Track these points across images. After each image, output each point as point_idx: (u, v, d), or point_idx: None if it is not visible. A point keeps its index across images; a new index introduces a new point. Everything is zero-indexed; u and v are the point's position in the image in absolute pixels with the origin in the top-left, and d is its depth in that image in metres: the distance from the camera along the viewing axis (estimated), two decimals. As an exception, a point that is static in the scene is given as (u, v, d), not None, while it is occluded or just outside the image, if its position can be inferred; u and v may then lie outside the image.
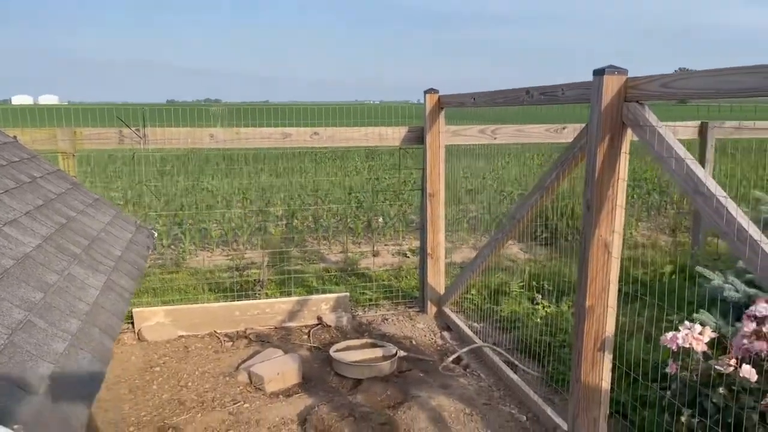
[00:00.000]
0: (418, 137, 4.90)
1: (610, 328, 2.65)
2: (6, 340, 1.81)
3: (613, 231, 2.59)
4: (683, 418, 2.37)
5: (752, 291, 3.30)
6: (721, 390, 2.27)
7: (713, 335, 2.38)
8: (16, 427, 1.52)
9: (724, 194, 1.99)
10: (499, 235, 3.89)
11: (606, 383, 2.69)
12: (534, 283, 5.10)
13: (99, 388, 2.01)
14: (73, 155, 4.36)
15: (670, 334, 2.56)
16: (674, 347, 2.37)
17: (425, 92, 4.75)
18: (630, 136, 2.54)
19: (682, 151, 2.17)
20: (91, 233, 3.27)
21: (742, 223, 1.89)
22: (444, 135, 4.79)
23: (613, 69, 2.47)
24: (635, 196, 9.81)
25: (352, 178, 12.20)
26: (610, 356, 2.68)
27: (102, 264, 2.98)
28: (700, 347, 2.33)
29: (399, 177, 10.63)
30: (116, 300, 2.72)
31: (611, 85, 2.47)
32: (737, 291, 3.38)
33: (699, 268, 3.60)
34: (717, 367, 2.31)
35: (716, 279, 3.47)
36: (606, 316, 2.64)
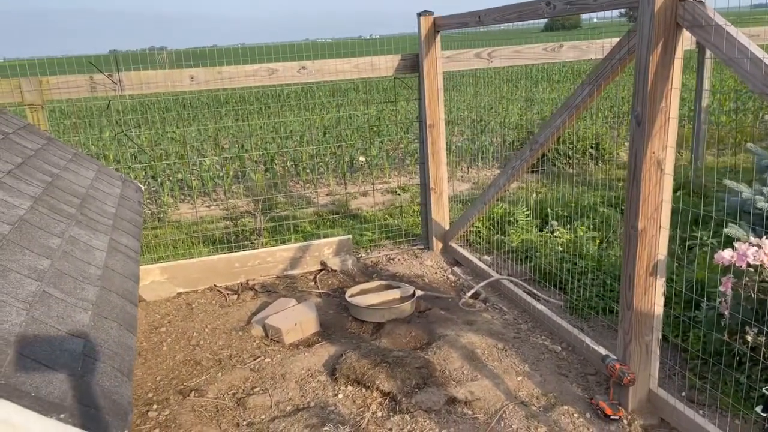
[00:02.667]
0: (412, 65, 4.60)
1: (663, 250, 2.50)
2: (27, 316, 1.55)
3: (666, 146, 2.40)
4: (749, 337, 2.26)
5: (788, 201, 3.19)
6: (793, 305, 2.16)
7: (784, 249, 2.25)
8: (63, 416, 1.29)
9: (816, 94, 1.80)
10: (516, 162, 3.69)
11: (659, 308, 2.57)
12: (549, 210, 4.94)
13: (134, 359, 1.78)
14: (42, 107, 3.95)
15: (728, 252, 2.43)
16: (743, 265, 2.23)
17: (419, 14, 4.42)
18: (684, 39, 2.31)
19: (759, 50, 1.96)
20: (80, 191, 2.96)
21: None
22: (440, 61, 4.49)
23: (667, -36, 2.22)
24: (621, 114, 9.71)
25: (323, 118, 11.80)
26: (663, 280, 2.54)
27: (99, 223, 2.70)
28: (771, 263, 2.20)
29: (374, 111, 10.32)
30: (125, 261, 2.46)
31: (665, -17, 2.23)
32: (769, 202, 3.27)
33: (727, 182, 3.47)
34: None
35: (746, 191, 3.35)
36: (659, 237, 2.48)
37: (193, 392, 3.00)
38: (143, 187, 6.40)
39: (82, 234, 2.42)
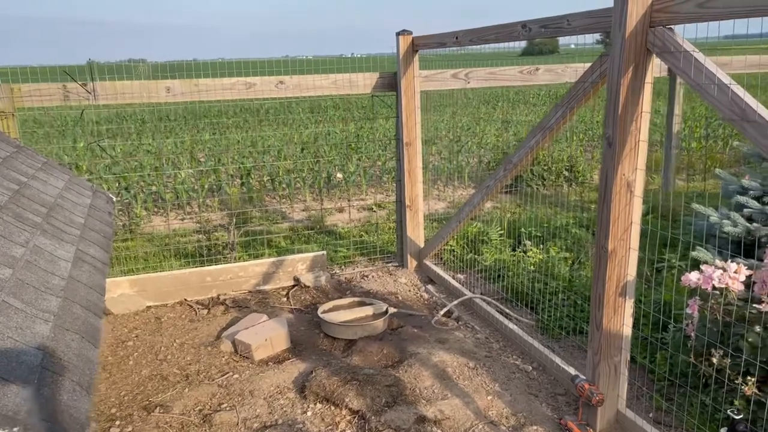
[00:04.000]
0: (390, 83, 4.62)
1: (632, 271, 2.53)
2: (-17, 327, 1.51)
3: (636, 168, 2.43)
4: (714, 359, 2.28)
5: (754, 226, 3.25)
6: (757, 329, 2.19)
7: (748, 273, 2.29)
8: (15, 429, 1.24)
9: (779, 120, 1.84)
10: (490, 182, 3.71)
11: (628, 328, 2.59)
12: (522, 230, 4.97)
13: (96, 373, 1.74)
14: (13, 115, 3.88)
15: (694, 275, 2.46)
16: (708, 288, 2.26)
17: (398, 34, 4.46)
18: (654, 65, 2.36)
19: (725, 77, 2.01)
20: (48, 200, 2.90)
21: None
22: (418, 80, 4.53)
23: (638, -9, 2.27)
24: (595, 137, 9.87)
25: (302, 134, 11.79)
26: (632, 300, 2.57)
27: (67, 233, 2.65)
28: (736, 286, 2.24)
29: (353, 128, 10.35)
30: (91, 272, 2.41)
31: (635, 10, 2.28)
32: (735, 226, 3.33)
33: (695, 206, 3.53)
34: (755, 305, 2.22)
35: (714, 215, 3.41)
36: (629, 258, 2.51)
37: (158, 408, 2.94)
38: (115, 199, 6.32)
39: (48, 244, 2.37)
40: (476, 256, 4.77)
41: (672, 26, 2.25)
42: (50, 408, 1.39)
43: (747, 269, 2.29)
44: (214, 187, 7.87)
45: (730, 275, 2.25)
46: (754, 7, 1.87)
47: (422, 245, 4.82)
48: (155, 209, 7.04)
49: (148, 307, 4.21)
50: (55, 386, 1.47)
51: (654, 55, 2.32)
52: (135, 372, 3.33)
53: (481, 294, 4.18)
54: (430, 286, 4.53)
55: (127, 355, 3.52)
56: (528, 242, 4.60)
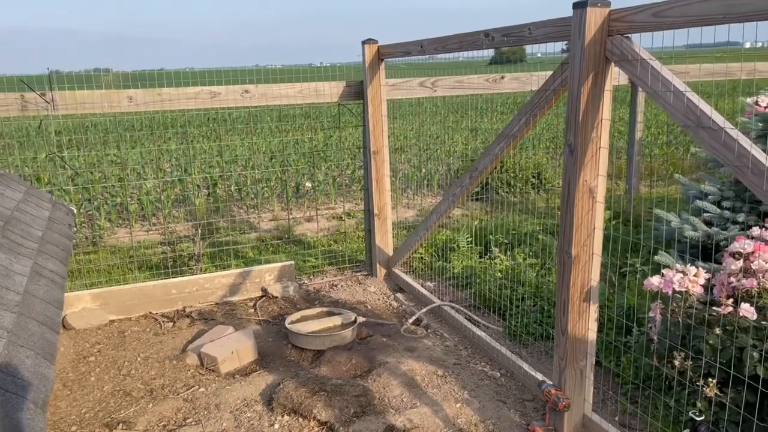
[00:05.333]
0: (357, 92, 4.62)
1: (596, 276, 2.56)
2: (-71, 345, 1.45)
3: (597, 175, 2.47)
4: (676, 362, 2.32)
5: (713, 230, 3.33)
6: (717, 331, 2.23)
7: (707, 276, 2.33)
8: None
9: (732, 126, 1.89)
10: (456, 189, 3.73)
11: (593, 333, 2.62)
12: (490, 237, 5.00)
13: (51, 390, 1.69)
14: (-33, 125, 3.77)
15: (656, 279, 2.51)
16: (669, 291, 2.30)
17: (363, 42, 4.46)
18: (613, 73, 2.41)
19: (680, 84, 2.05)
20: (4, 213, 2.82)
21: (758, 156, 1.80)
22: (384, 89, 4.54)
23: (596, 1, 2.31)
24: (561, 144, 10.00)
25: (270, 143, 11.71)
26: (596, 305, 2.60)
27: (23, 247, 2.57)
28: (696, 289, 2.28)
29: (322, 137, 10.32)
30: (48, 287, 2.35)
31: (594, 19, 2.32)
32: (696, 230, 3.40)
33: (657, 211, 3.60)
34: (715, 308, 2.26)
35: (675, 220, 3.48)
36: (592, 264, 2.54)
37: (120, 425, 2.86)
38: (76, 211, 6.19)
39: (3, 258, 2.30)
40: (445, 264, 4.78)
41: (629, 35, 2.29)
42: (4, 427, 1.35)
43: (706, 273, 2.34)
44: (180, 197, 7.76)
45: (690, 279, 2.29)
46: (706, 16, 1.91)
47: (391, 253, 4.82)
48: (119, 221, 6.91)
49: (112, 321, 4.12)
50: (9, 405, 1.43)
51: (613, 64, 2.36)
52: (97, 388, 3.24)
53: (450, 301, 4.19)
54: (399, 295, 4.52)
55: (89, 371, 3.43)
56: (495, 249, 4.63)
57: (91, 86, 4.31)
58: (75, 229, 4.74)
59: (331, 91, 4.58)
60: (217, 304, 4.40)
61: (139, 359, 3.55)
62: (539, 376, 3.00)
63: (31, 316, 1.98)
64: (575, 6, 2.37)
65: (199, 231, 5.11)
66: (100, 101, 4.06)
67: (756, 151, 1.81)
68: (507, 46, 3.04)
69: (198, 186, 8.36)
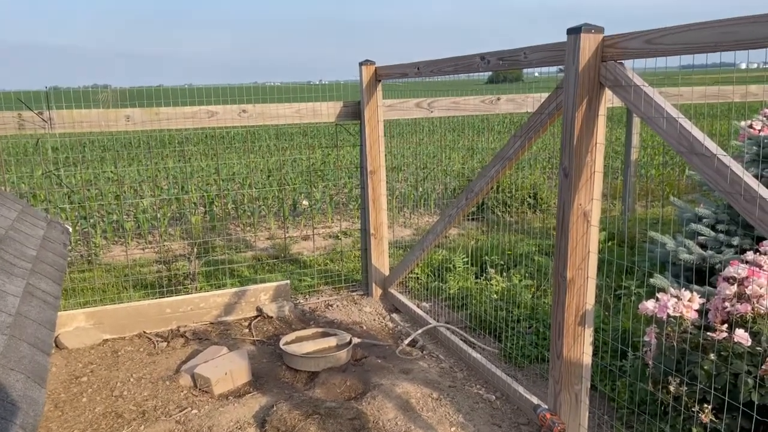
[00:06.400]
0: (354, 112, 4.65)
1: (590, 300, 2.56)
2: None
3: (592, 198, 2.48)
4: (671, 387, 2.31)
5: (708, 253, 3.33)
6: (711, 356, 2.22)
7: (702, 301, 2.33)
8: (-53, 482, 1.18)
9: (725, 153, 1.90)
10: (453, 210, 3.74)
11: (588, 357, 2.61)
12: (486, 257, 5.00)
13: (41, 414, 1.67)
14: (-36, 143, 3.78)
15: (651, 303, 2.50)
16: (664, 316, 2.30)
17: (361, 64, 4.50)
18: (607, 97, 2.43)
19: (673, 110, 2.07)
20: (-2, 232, 2.81)
21: (750, 183, 1.81)
22: (381, 109, 4.57)
23: (590, 27, 2.34)
24: (551, 165, 10.04)
25: (268, 161, 11.74)
26: (592, 329, 2.59)
27: (16, 267, 2.56)
28: (690, 314, 2.28)
29: (320, 155, 10.35)
30: (41, 307, 2.33)
31: (588, 45, 2.34)
32: (691, 253, 3.41)
33: (652, 233, 3.61)
34: (709, 333, 2.26)
35: (670, 242, 3.49)
36: (587, 287, 2.54)
37: (111, 447, 2.83)
38: (72, 228, 6.16)
39: (-5, 278, 2.29)
40: (441, 284, 4.77)
41: (623, 61, 2.31)
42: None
43: (700, 297, 2.34)
44: (177, 215, 7.76)
45: (684, 304, 2.29)
46: (697, 44, 1.93)
47: (387, 273, 4.81)
48: (115, 238, 6.89)
49: (105, 341, 4.09)
50: (-4, 431, 1.41)
51: (607, 89, 2.38)
52: (89, 409, 3.21)
53: (446, 322, 4.18)
54: (395, 315, 4.50)
55: (81, 392, 3.40)
56: (491, 270, 4.63)
57: (89, 104, 4.33)
58: (70, 247, 4.73)
59: (328, 111, 4.60)
60: (211, 323, 4.37)
61: (132, 380, 3.52)
62: (534, 400, 2.98)
63: (23, 339, 1.97)
64: (569, 32, 2.40)
65: (195, 249, 5.10)
66: (97, 120, 4.07)
67: (748, 178, 1.82)
68: (502, 69, 3.07)
69: (195, 204, 8.36)
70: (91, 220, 6.89)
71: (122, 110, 4.14)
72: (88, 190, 8.49)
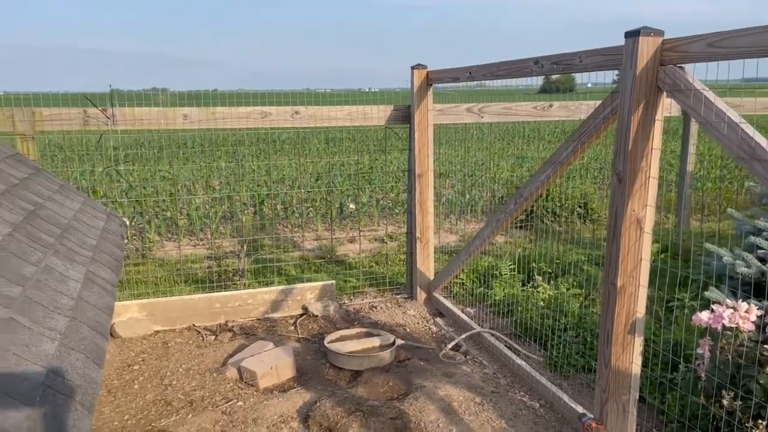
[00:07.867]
0: (404, 116, 4.68)
1: (641, 308, 2.50)
2: (-11, 342, 1.52)
3: (645, 205, 2.43)
4: (725, 401, 2.24)
5: (766, 266, 3.21)
6: (769, 370, 2.15)
7: (759, 313, 2.26)
8: (14, 447, 1.25)
9: (789, 160, 1.84)
10: (501, 215, 3.71)
11: (637, 366, 2.55)
12: (533, 264, 4.94)
13: (98, 394, 1.74)
14: (33, 138, 3.97)
15: (705, 314, 2.43)
16: (719, 327, 2.23)
17: (412, 68, 4.52)
18: (664, 102, 2.38)
19: (735, 116, 2.02)
20: (62, 221, 2.95)
21: (815, 190, 1.74)
22: (432, 113, 4.58)
23: (649, 30, 2.30)
24: (603, 176, 9.83)
25: (317, 164, 11.89)
26: (642, 338, 2.53)
27: (78, 254, 2.68)
28: (747, 326, 2.20)
29: (367, 160, 10.42)
30: (100, 294, 2.43)
31: (646, 48, 2.30)
32: (749, 267, 3.29)
33: (708, 245, 3.50)
34: (767, 347, 2.18)
35: (727, 255, 3.38)
36: (638, 295, 2.49)
37: (160, 433, 2.92)
38: (128, 223, 6.39)
39: (59, 264, 2.40)
40: (486, 290, 4.74)
41: (683, 65, 2.26)
42: (51, 426, 1.40)
43: (758, 309, 2.26)
44: (228, 214, 7.94)
45: (741, 315, 2.22)
46: (762, 47, 1.88)
47: (432, 277, 4.81)
48: (168, 234, 7.10)
49: (156, 332, 4.22)
50: (57, 405, 1.48)
51: (664, 93, 2.34)
52: (140, 396, 3.32)
53: (491, 328, 4.14)
54: (438, 319, 4.50)
55: (133, 379, 3.52)
56: (539, 278, 4.57)
57: (149, 103, 4.49)
58: (126, 240, 4.90)
59: (378, 114, 4.64)
60: (258, 319, 4.46)
61: (181, 370, 3.62)
62: (579, 409, 2.93)
63: (83, 321, 2.05)
64: (627, 35, 2.36)
65: (245, 247, 5.21)
66: (157, 118, 4.22)
67: (814, 186, 1.75)
68: (556, 73, 3.04)
69: (245, 204, 8.53)
70: (146, 217, 7.12)
71: (180, 109, 4.28)
72: (144, 187, 8.77)
